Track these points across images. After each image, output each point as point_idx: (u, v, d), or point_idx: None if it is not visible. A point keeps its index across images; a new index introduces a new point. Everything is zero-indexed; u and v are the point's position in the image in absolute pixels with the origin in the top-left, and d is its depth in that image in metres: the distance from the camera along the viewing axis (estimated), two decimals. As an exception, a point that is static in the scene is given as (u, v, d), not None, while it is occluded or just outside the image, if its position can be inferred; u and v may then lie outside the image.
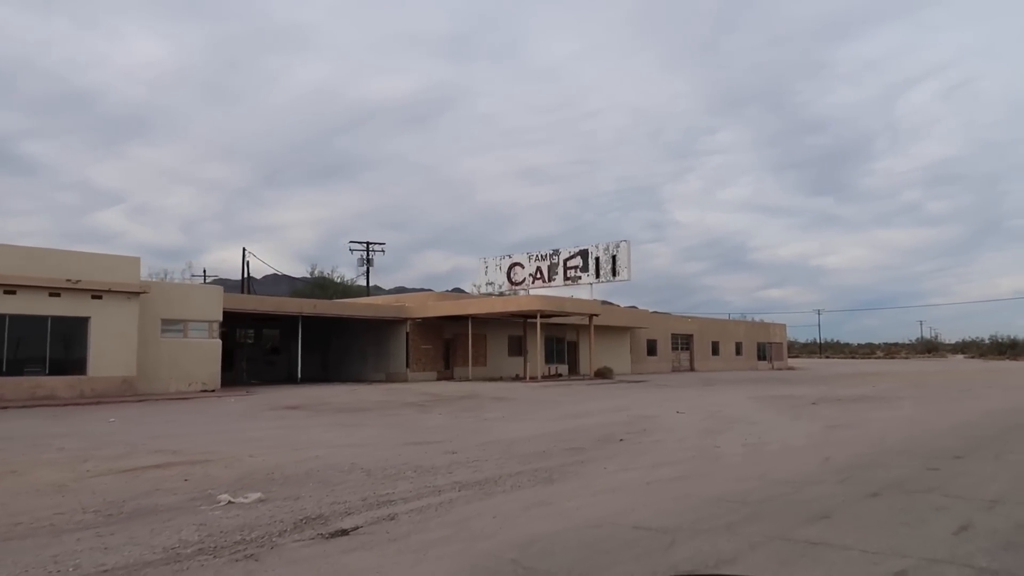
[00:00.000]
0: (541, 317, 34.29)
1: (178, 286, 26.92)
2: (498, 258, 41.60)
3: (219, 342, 26.91)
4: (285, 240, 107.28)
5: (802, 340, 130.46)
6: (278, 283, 65.99)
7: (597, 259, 36.89)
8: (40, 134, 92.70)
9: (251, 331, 43.98)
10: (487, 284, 41.75)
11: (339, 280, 55.16)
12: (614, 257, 36.30)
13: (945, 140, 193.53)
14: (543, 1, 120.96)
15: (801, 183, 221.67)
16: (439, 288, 33.88)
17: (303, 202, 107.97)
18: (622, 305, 62.88)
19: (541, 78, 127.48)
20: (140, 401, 21.24)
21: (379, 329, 38.14)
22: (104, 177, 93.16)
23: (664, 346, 57.27)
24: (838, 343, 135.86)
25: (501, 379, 35.97)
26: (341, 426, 14.90)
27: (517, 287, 40.23)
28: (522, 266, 40.23)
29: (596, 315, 36.53)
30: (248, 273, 49.77)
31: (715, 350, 62.87)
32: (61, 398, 21.20)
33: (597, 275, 36.96)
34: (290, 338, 44.74)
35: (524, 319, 33.82)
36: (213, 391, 25.61)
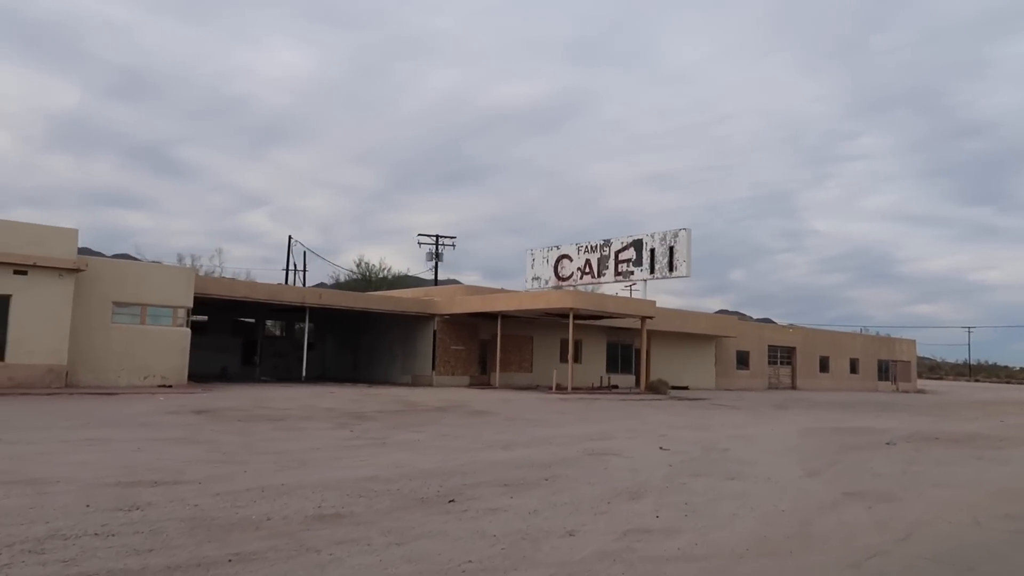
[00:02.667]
0: (576, 317, 29.38)
1: (135, 265, 24.25)
2: (545, 249, 36.95)
3: (187, 331, 23.93)
4: (414, 243, 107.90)
5: (951, 360, 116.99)
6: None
7: (652, 251, 31.54)
8: (194, 140, 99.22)
9: (280, 324, 41.65)
10: (532, 279, 37.19)
11: (384, 274, 52.18)
12: (671, 249, 30.85)
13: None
14: (673, 4, 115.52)
15: (954, 191, 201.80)
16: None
17: (431, 206, 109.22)
18: (750, 316, 56.55)
19: (670, 82, 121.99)
20: (49, 395, 18.32)
21: (407, 326, 34.47)
22: (251, 180, 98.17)
23: (759, 359, 50.69)
24: (994, 365, 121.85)
25: (537, 388, 31.32)
26: (168, 442, 11.01)
27: (564, 283, 35.40)
28: (570, 259, 35.41)
29: (649, 317, 31.14)
30: (291, 262, 47.65)
31: (823, 366, 55.42)
32: (-32, 387, 18.65)
33: (652, 269, 31.63)
34: (323, 333, 42.07)
35: (569, 318, 29.05)
36: (171, 387, 22.60)
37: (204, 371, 35.65)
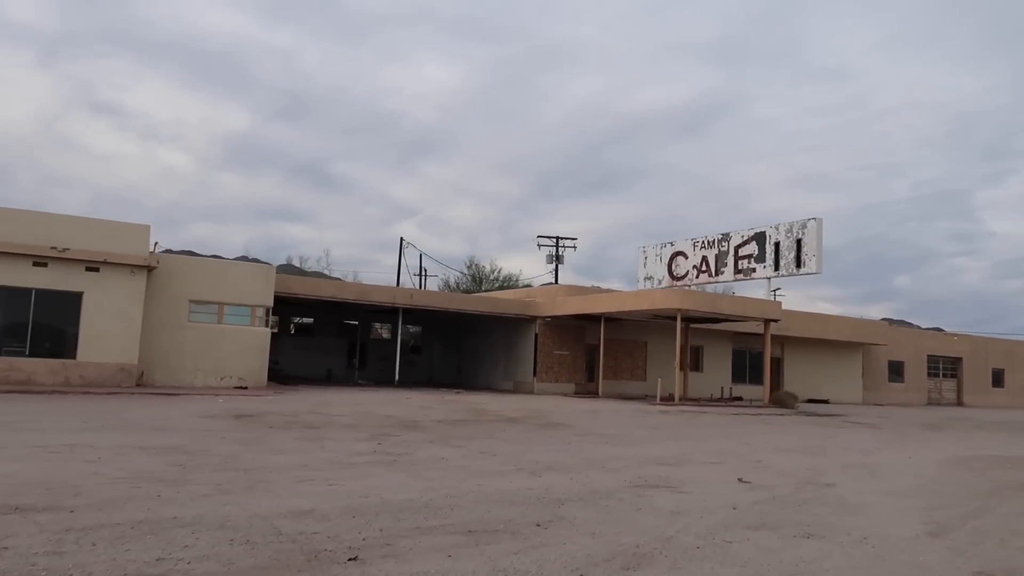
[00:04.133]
0: (687, 320, 26.28)
1: (212, 262, 23.89)
2: (658, 246, 33.89)
3: (265, 331, 23.30)
4: (560, 249, 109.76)
5: None
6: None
7: (776, 244, 27.80)
8: (349, 156, 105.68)
9: (387, 326, 41.13)
10: (645, 279, 34.24)
11: (494, 275, 50.61)
12: (798, 241, 27.01)
13: None
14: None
15: None
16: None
17: (575, 213, 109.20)
18: (918, 325, 50.81)
19: (823, 78, 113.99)
20: (109, 394, 17.94)
21: (508, 330, 32.69)
22: (401, 193, 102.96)
23: (916, 371, 44.91)
24: None
25: (646, 398, 28.47)
26: (147, 451, 9.66)
27: (678, 282, 32.23)
28: (685, 256, 32.17)
29: (774, 320, 27.43)
30: (402, 264, 47.28)
31: (997, 380, 48.44)
32: (40, 384, 18.67)
33: (776, 265, 27.86)
34: (432, 335, 41.16)
35: (677, 320, 26.08)
36: (246, 388, 21.96)
37: (310, 373, 35.65)
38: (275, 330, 40.17)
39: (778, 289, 65.50)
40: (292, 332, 40.27)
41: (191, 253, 39.12)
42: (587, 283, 46.21)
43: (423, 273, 51.20)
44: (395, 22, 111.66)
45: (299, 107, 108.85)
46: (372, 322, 39.54)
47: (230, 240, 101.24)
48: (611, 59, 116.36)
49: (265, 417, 15.07)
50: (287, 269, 43.90)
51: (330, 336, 37.56)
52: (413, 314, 36.94)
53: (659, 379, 27.03)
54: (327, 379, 34.44)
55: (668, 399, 26.46)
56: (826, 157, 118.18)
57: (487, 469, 9.57)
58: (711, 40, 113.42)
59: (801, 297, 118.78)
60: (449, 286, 50.67)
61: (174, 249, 45.84)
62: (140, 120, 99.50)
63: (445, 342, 39.51)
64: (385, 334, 41.92)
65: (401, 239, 46.19)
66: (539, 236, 50.22)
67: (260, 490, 7.38)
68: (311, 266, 49.52)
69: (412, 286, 47.26)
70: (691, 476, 9.69)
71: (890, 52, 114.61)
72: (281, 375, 34.43)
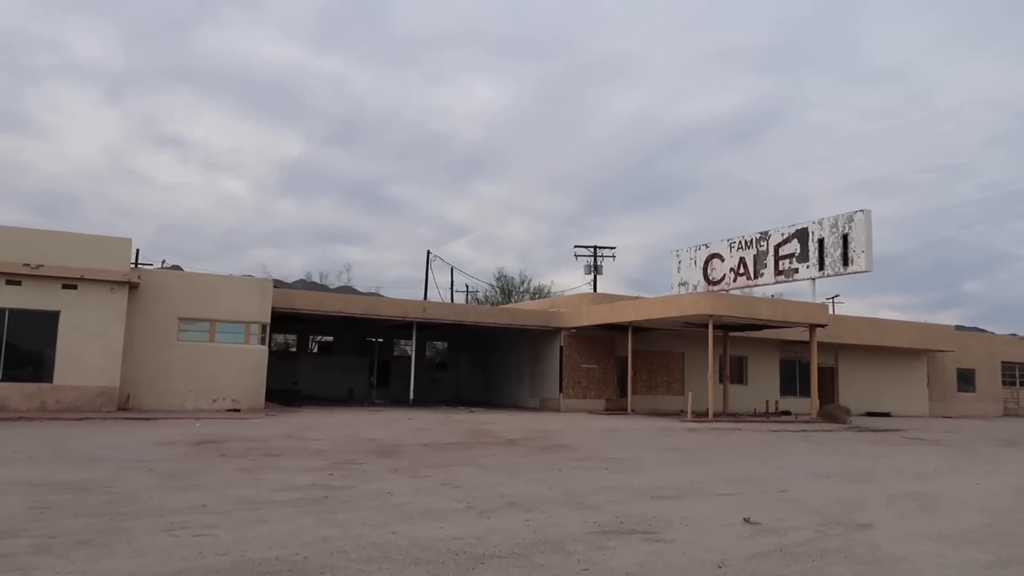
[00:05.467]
0: (721, 327, 24.02)
1: (203, 276, 22.66)
2: (692, 249, 31.64)
3: (262, 349, 21.98)
4: (611, 265, 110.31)
5: None
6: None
7: (820, 241, 25.32)
8: (402, 178, 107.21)
9: (409, 343, 39.61)
10: (679, 285, 31.98)
11: (524, 287, 48.76)
12: (845, 237, 24.49)
13: None
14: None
15: None
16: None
17: (627, 227, 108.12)
18: (993, 331, 47.27)
19: (881, 79, 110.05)
20: (81, 420, 16.72)
21: (533, 343, 30.86)
22: (453, 212, 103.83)
23: (989, 379, 41.47)
24: None
25: (680, 414, 26.21)
26: (26, 487, 8.18)
27: (714, 287, 29.91)
28: (721, 258, 29.86)
29: (820, 325, 24.90)
30: (430, 277, 45.85)
31: (1084, 388, 44.35)
32: (13, 410, 17.60)
33: (820, 264, 25.37)
34: (459, 351, 39.53)
35: (709, 327, 23.85)
36: (239, 411, 20.61)
37: (330, 393, 34.35)
38: (292, 349, 39.32)
39: (836, 296, 62.18)
40: (313, 351, 39.13)
41: (278, 283, 38.51)
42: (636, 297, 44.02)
43: (453, 287, 49.92)
44: (442, 44, 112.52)
45: (351, 131, 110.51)
46: (395, 339, 38.13)
47: (289, 264, 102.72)
48: (658, 70, 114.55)
49: (228, 444, 13.58)
50: (307, 285, 42.87)
51: (351, 354, 36.25)
52: (439, 329, 35.41)
53: (690, 393, 24.76)
54: (347, 399, 33.09)
55: (702, 415, 24.20)
56: (886, 161, 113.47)
57: (429, 508, 7.79)
58: (760, 46, 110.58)
59: (865, 305, 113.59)
60: (478, 299, 49.11)
61: (236, 274, 45.68)
62: (201, 151, 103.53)
63: (472, 358, 37.84)
64: (410, 351, 40.46)
65: (428, 252, 44.90)
66: (576, 246, 48.31)
67: (97, 544, 5.78)
68: (332, 282, 48.55)
69: (441, 300, 45.85)
70: (686, 514, 7.74)
71: (949, 50, 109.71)
72: (299, 396, 33.25)
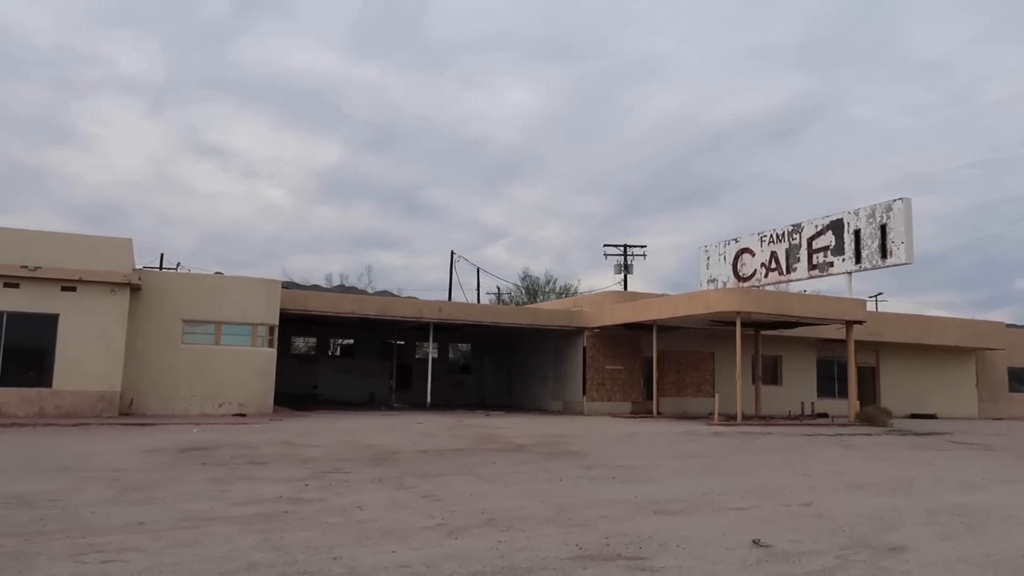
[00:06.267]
0: (750, 325, 22.74)
1: (207, 278, 22.12)
2: (721, 244, 30.33)
3: (270, 352, 21.36)
4: (647, 266, 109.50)
5: None
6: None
7: (856, 232, 23.88)
8: (438, 183, 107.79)
9: (435, 345, 38.84)
10: (708, 282, 30.69)
11: (549, 285, 47.65)
12: (883, 228, 23.03)
13: None
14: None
15: None
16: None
17: (663, 228, 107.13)
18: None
19: (922, 74, 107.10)
20: (76, 426, 16.22)
21: (556, 344, 29.89)
22: (489, 216, 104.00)
23: (1044, 378, 39.24)
24: None
25: (708, 416, 24.99)
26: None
27: (745, 283, 28.58)
28: (751, 253, 28.52)
29: (857, 322, 23.45)
30: (453, 278, 45.13)
31: None
32: (12, 415, 17.20)
33: (857, 257, 23.95)
34: (483, 353, 38.68)
35: (736, 325, 22.59)
36: (245, 416, 20.01)
37: (351, 397, 33.77)
38: (312, 352, 38.84)
39: (880, 295, 59.85)
40: (334, 354, 38.63)
41: (293, 285, 38.06)
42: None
43: (480, 288, 49.13)
44: (475, 49, 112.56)
45: (387, 138, 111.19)
46: (417, 341, 37.41)
47: (327, 269, 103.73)
48: (693, 70, 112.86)
49: (215, 451, 12.89)
50: (344, 289, 42.29)
51: (372, 358, 35.62)
52: (461, 331, 34.64)
53: (717, 395, 23.54)
54: (368, 403, 32.45)
55: (731, 418, 22.97)
56: (930, 156, 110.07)
57: (394, 526, 6.92)
58: (797, 43, 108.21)
59: (911, 304, 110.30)
60: (504, 301, 48.21)
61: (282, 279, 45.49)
62: (241, 159, 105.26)
63: (496, 360, 36.96)
64: (434, 354, 39.69)
65: (452, 252, 44.12)
66: (605, 245, 47.16)
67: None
68: (351, 283, 48.06)
69: (466, 301, 45.05)
70: (687, 534, 6.75)
71: (993, 42, 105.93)
72: (318, 399, 32.71)
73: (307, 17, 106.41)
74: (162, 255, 41.45)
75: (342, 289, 40.73)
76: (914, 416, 31.71)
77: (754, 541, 6.44)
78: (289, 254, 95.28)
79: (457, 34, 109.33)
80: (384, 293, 44.74)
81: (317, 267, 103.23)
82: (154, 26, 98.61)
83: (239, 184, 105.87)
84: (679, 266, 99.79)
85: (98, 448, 13.09)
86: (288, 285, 27.05)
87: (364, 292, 43.36)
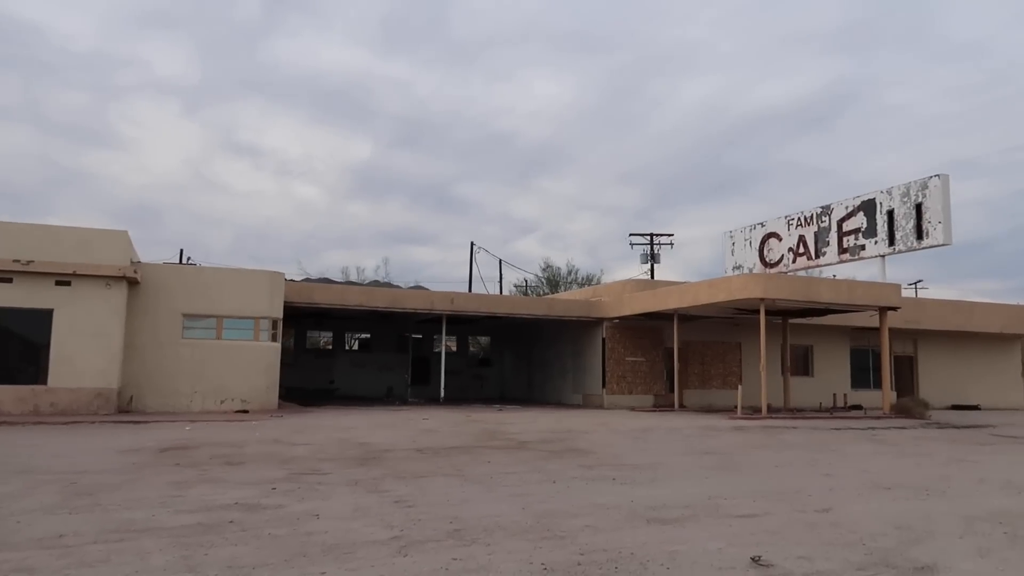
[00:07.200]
0: (776, 313, 21.53)
1: (207, 271, 21.54)
2: (747, 229, 29.06)
3: (274, 346, 20.76)
4: (678, 258, 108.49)
5: None
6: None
7: (890, 213, 22.51)
8: (468, 177, 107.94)
9: (453, 338, 38.11)
10: (734, 268, 29.46)
11: (571, 275, 46.57)
12: (918, 207, 21.65)
13: None
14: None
15: None
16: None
17: (696, 218, 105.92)
18: None
19: (962, 56, 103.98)
20: (67, 424, 15.73)
21: (576, 335, 28.95)
22: (520, 209, 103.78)
23: (1093, 366, 37.21)
24: None
25: (734, 409, 23.87)
26: None
27: (772, 269, 27.30)
28: (778, 237, 27.24)
29: (892, 308, 22.11)
30: (473, 270, 44.31)
31: None
32: (6, 414, 16.78)
33: (891, 240, 22.59)
34: (503, 346, 37.87)
35: (760, 313, 21.43)
36: (247, 412, 19.43)
37: (368, 392, 33.22)
38: (329, 347, 38.36)
39: (920, 281, 57.71)
40: (351, 348, 38.10)
41: (328, 281, 37.76)
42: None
43: (502, 280, 48.29)
44: (503, 43, 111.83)
45: (417, 133, 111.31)
46: (435, 334, 36.71)
47: (361, 264, 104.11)
48: (725, 58, 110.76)
49: (195, 451, 12.24)
50: (379, 284, 41.78)
51: (389, 352, 35.01)
52: (480, 323, 33.86)
53: (739, 387, 22.39)
54: (385, 398, 31.84)
55: (756, 410, 21.83)
56: (970, 140, 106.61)
57: (343, 539, 6.13)
58: (831, 28, 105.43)
59: (953, 291, 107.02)
60: (525, 292, 47.28)
61: (313, 277, 45.39)
62: (274, 158, 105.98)
63: (516, 353, 36.11)
64: (453, 347, 38.95)
65: (472, 243, 43.33)
66: (631, 234, 45.97)
67: None
68: (368, 276, 47.52)
69: (487, 293, 44.26)
70: (677, 548, 5.83)
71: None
72: (335, 395, 32.18)
73: (335, 15, 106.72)
74: (181, 251, 41.17)
75: (378, 285, 40.28)
76: (955, 407, 30.18)
77: (753, 559, 5.50)
78: (323, 250, 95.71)
79: (485, 28, 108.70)
80: (417, 287, 44.17)
81: (351, 263, 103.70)
82: (187, 28, 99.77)
83: (273, 182, 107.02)
84: (712, 257, 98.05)
85: (75, 448, 12.52)
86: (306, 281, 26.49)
87: (388, 285, 42.84)
